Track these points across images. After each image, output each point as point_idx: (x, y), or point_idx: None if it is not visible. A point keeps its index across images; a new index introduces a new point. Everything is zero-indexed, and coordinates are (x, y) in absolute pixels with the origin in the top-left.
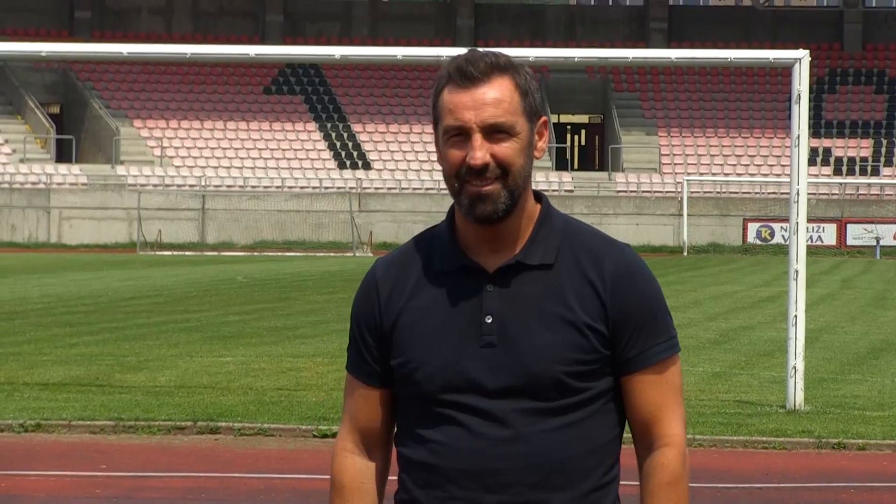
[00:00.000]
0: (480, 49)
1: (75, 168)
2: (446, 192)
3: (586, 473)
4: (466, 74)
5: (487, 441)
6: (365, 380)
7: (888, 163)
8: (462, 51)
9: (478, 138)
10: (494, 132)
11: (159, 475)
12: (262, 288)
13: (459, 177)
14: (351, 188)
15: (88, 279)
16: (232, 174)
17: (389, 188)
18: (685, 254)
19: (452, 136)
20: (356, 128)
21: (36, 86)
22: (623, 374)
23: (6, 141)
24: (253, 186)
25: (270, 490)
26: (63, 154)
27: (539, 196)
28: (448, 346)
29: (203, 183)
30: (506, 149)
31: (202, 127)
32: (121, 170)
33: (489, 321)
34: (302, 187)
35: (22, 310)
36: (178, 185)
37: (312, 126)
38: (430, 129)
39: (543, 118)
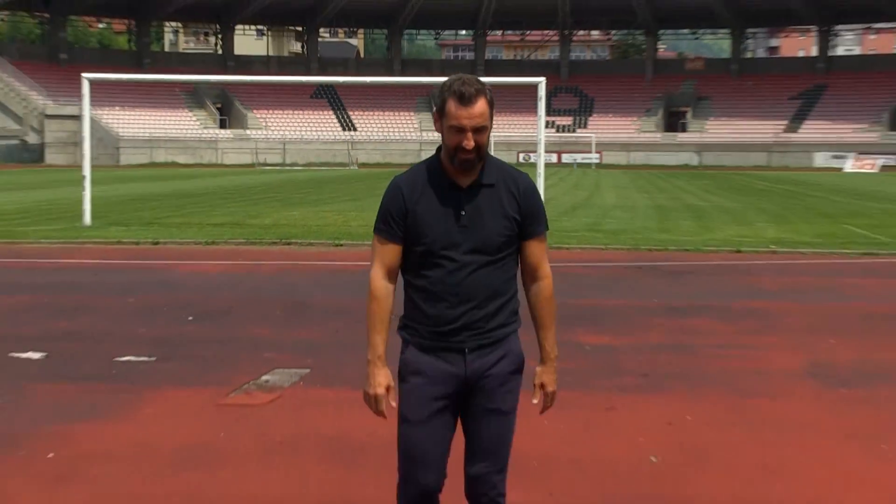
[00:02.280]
0: (467, 76)
1: (227, 132)
2: (391, 141)
3: (505, 291)
4: (464, 98)
5: (459, 277)
6: (392, 239)
7: (579, 126)
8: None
9: (469, 135)
10: (476, 130)
11: (265, 262)
12: (306, 183)
13: (457, 149)
14: (347, 139)
15: (234, 179)
16: (297, 134)
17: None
18: None
19: (455, 129)
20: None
21: (210, 93)
22: (523, 240)
23: (198, 119)
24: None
25: (315, 269)
26: (222, 125)
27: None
28: (442, 225)
29: (282, 139)
30: (481, 138)
31: (291, 111)
32: (248, 133)
33: (464, 213)
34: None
35: (203, 192)
36: (267, 138)
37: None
38: (378, 111)
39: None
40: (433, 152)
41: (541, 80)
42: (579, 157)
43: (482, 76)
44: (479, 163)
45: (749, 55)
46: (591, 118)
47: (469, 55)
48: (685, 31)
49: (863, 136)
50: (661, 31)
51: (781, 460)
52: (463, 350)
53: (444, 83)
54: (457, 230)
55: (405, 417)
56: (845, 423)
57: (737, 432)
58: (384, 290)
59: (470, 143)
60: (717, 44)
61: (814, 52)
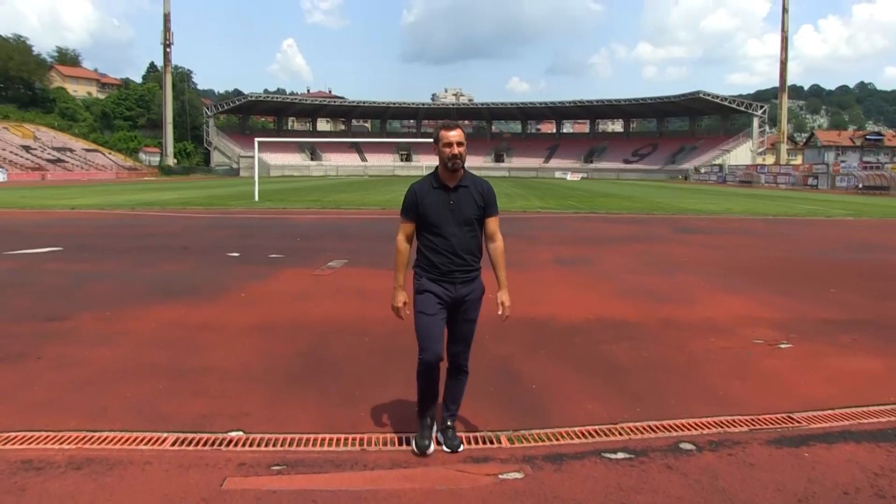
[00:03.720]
0: (448, 121)
1: (314, 163)
2: (381, 167)
3: (476, 249)
4: (449, 127)
5: (453, 241)
6: (410, 220)
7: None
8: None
9: (454, 145)
10: (459, 144)
11: (331, 216)
12: (347, 185)
13: (450, 158)
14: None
15: (316, 182)
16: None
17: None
18: None
19: (445, 145)
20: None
21: (307, 146)
22: (485, 217)
23: (302, 157)
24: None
25: (351, 220)
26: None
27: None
28: (439, 210)
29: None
30: (462, 150)
31: (340, 153)
32: (322, 164)
33: (452, 202)
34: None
35: (303, 189)
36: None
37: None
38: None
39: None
40: (418, 174)
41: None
42: None
43: (425, 137)
44: (461, 168)
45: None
46: (553, 158)
47: (414, 131)
48: (504, 120)
49: (574, 164)
50: (494, 121)
51: (543, 296)
52: (454, 282)
53: (437, 125)
54: (448, 213)
55: (423, 312)
56: (570, 279)
57: (522, 283)
58: (405, 248)
59: (454, 150)
60: (516, 126)
61: (553, 129)
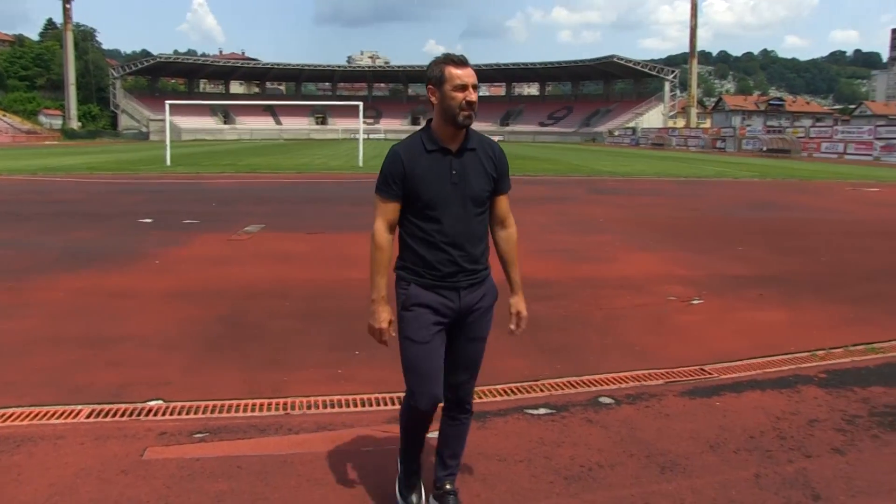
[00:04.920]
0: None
1: (227, 126)
2: (297, 129)
3: (485, 237)
4: (460, 62)
5: (456, 228)
6: (393, 198)
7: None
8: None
9: (471, 90)
10: (475, 87)
11: (247, 181)
12: (263, 149)
13: (460, 107)
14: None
15: (229, 146)
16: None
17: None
18: None
19: (456, 88)
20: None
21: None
22: (496, 195)
23: (216, 121)
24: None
25: (268, 184)
26: (225, 123)
27: None
28: (437, 184)
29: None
30: (474, 96)
31: (255, 116)
32: (236, 127)
33: (454, 173)
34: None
35: (216, 152)
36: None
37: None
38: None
39: None
40: (334, 138)
41: (359, 104)
42: (378, 135)
43: (340, 100)
44: (474, 119)
45: None
46: (382, 120)
47: (330, 94)
48: (421, 83)
49: (490, 127)
50: (411, 84)
51: None
52: (458, 288)
53: (437, 59)
54: (450, 187)
55: (412, 339)
56: None
57: None
58: (387, 241)
59: (473, 95)
60: None
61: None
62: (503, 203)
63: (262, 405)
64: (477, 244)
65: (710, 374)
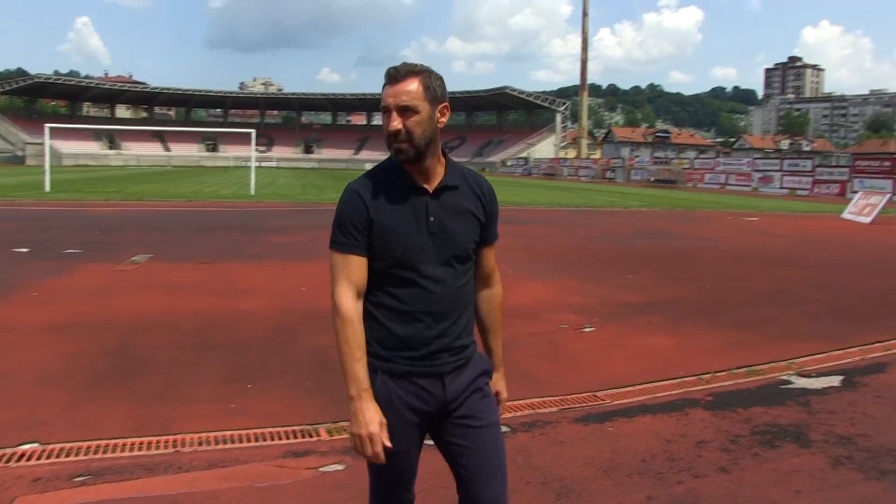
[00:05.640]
0: (409, 62)
1: (113, 152)
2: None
3: (470, 301)
4: (390, 76)
5: (435, 294)
6: (357, 252)
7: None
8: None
9: (394, 114)
10: (402, 110)
11: (133, 209)
12: (151, 176)
13: (388, 137)
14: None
15: (115, 172)
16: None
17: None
18: None
19: (383, 113)
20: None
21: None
22: (482, 247)
23: (100, 146)
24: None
25: (155, 212)
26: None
27: (443, 150)
28: (410, 235)
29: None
30: (410, 122)
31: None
32: (122, 153)
33: (432, 220)
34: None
35: (102, 178)
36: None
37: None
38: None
39: (444, 104)
40: (224, 165)
41: (252, 131)
42: (270, 163)
43: (232, 127)
44: (415, 153)
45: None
46: (274, 148)
47: (221, 120)
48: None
49: (385, 156)
50: (304, 111)
51: None
52: (441, 373)
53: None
54: (427, 239)
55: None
56: None
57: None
58: (356, 312)
59: (394, 123)
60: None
61: (363, 121)
62: (489, 256)
63: (149, 443)
64: (463, 312)
65: (602, 400)
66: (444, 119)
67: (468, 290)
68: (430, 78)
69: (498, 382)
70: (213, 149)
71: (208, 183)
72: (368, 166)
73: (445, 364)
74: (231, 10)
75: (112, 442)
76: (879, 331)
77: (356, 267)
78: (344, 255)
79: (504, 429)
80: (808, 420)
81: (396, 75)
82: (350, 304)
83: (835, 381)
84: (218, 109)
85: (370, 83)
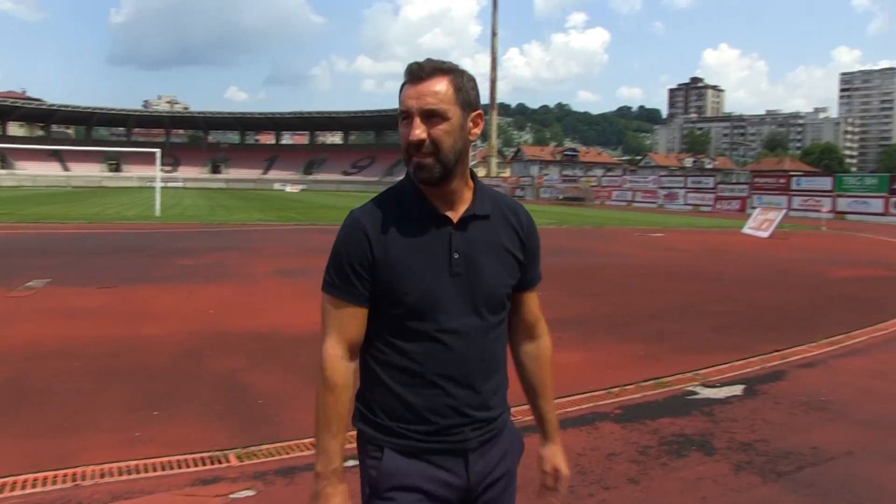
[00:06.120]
0: (433, 58)
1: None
2: (86, 176)
3: (502, 361)
4: (413, 74)
5: (457, 352)
6: (356, 301)
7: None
8: None
9: (417, 121)
10: (427, 115)
11: (28, 231)
12: (47, 197)
13: (408, 149)
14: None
15: (12, 193)
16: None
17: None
18: None
19: (403, 119)
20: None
21: None
22: (522, 290)
23: None
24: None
25: (54, 234)
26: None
27: (472, 171)
28: (427, 276)
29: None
30: (437, 130)
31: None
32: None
33: (456, 257)
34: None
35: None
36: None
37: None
38: None
39: (478, 111)
40: (128, 186)
41: (157, 150)
42: (177, 183)
43: (136, 146)
44: (441, 170)
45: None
46: (181, 168)
47: (124, 139)
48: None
49: (293, 176)
50: (211, 131)
51: (267, 308)
52: (465, 451)
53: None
54: (449, 281)
55: None
56: (294, 290)
57: (246, 296)
58: (344, 374)
59: (417, 131)
60: (234, 137)
61: (272, 140)
62: (531, 303)
63: (45, 479)
64: (492, 375)
65: (514, 416)
66: (477, 130)
67: (500, 347)
68: (461, 78)
69: (555, 457)
70: (116, 169)
71: (111, 204)
72: (278, 186)
73: (470, 440)
74: (134, 25)
75: (3, 481)
76: (777, 340)
77: (351, 319)
78: (337, 301)
79: None
80: (713, 429)
81: (420, 72)
82: (338, 366)
83: (737, 390)
84: (121, 128)
85: (278, 102)
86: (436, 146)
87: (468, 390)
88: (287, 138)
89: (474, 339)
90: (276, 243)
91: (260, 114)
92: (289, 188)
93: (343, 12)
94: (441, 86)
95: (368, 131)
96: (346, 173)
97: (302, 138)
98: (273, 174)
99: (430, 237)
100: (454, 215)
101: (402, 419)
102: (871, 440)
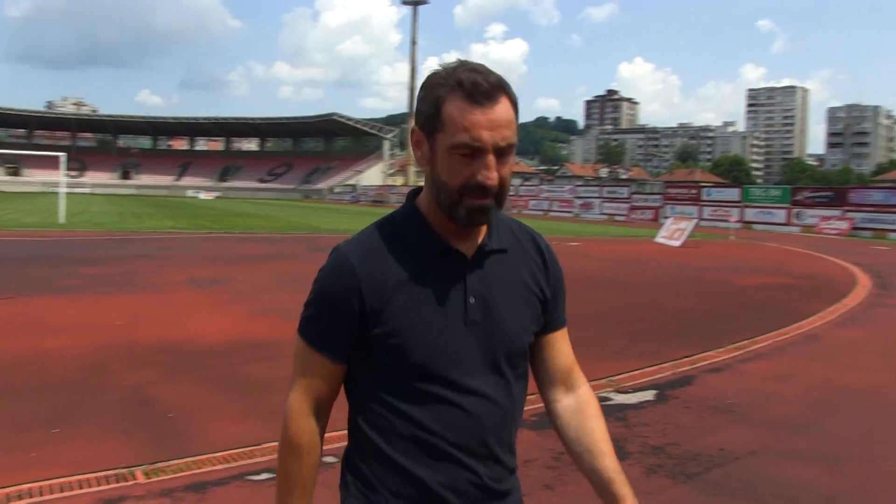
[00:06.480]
0: (476, 62)
1: None
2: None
3: (518, 421)
4: (482, 91)
5: (473, 416)
6: (331, 356)
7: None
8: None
9: (491, 159)
10: (502, 151)
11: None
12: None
13: (465, 190)
14: None
15: None
16: None
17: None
18: None
19: (463, 153)
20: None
21: None
22: (548, 332)
23: None
24: None
25: None
26: None
27: None
28: (439, 328)
29: None
30: (506, 168)
31: None
32: None
33: (472, 301)
34: None
35: None
36: None
37: None
38: None
39: None
40: (28, 191)
41: (61, 154)
42: (83, 188)
43: (37, 150)
44: (497, 212)
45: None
46: (88, 173)
47: (24, 142)
48: (132, 135)
49: (207, 182)
50: (121, 135)
51: (178, 318)
52: None
53: (441, 72)
54: (464, 332)
55: None
56: (206, 300)
57: (156, 306)
58: (310, 435)
59: (492, 173)
60: (146, 141)
61: (185, 146)
62: (563, 347)
63: None
64: (510, 436)
65: None
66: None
67: (520, 406)
68: (513, 92)
69: None
70: (16, 173)
71: (8, 209)
72: (191, 193)
73: None
74: (34, 20)
75: None
76: (687, 346)
77: (322, 375)
78: (309, 351)
79: (330, 459)
80: (626, 433)
81: (490, 91)
82: (302, 424)
83: (649, 395)
84: (21, 130)
85: (193, 107)
86: (501, 187)
87: (490, 461)
88: (202, 144)
89: (495, 399)
90: (189, 252)
91: (173, 118)
92: (203, 195)
93: (261, 17)
94: (508, 110)
95: (286, 138)
96: (262, 180)
97: (217, 144)
98: (187, 181)
99: (441, 279)
100: (468, 249)
101: (411, 499)
102: (774, 440)
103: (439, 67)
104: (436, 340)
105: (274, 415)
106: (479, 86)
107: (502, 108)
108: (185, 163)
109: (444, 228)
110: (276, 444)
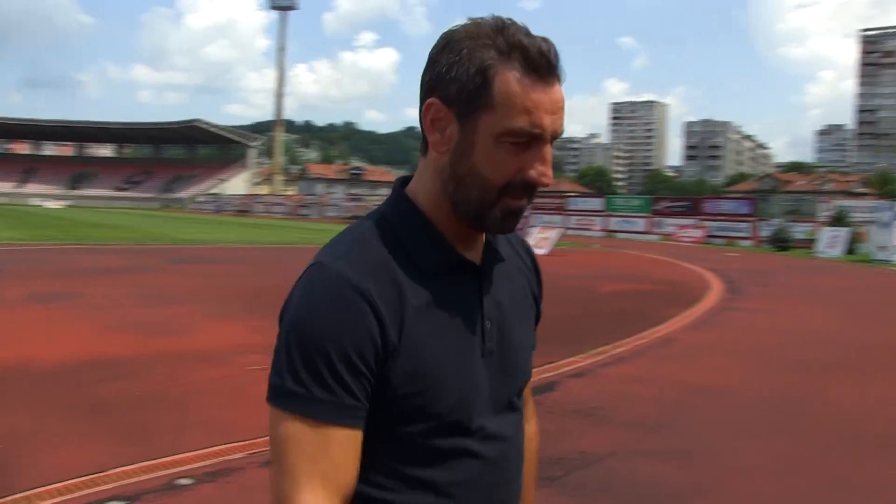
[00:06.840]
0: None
1: None
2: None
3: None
4: (548, 65)
5: (498, 467)
6: (350, 422)
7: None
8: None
9: (549, 151)
10: (556, 138)
11: None
12: None
13: (506, 188)
14: None
15: None
16: None
17: None
18: None
19: (516, 140)
20: None
21: None
22: None
23: None
24: None
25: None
26: None
27: None
28: (462, 364)
29: None
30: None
31: None
32: None
33: (489, 326)
34: None
35: None
36: None
37: None
38: None
39: None
40: None
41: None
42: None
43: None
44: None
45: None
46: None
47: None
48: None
49: (56, 190)
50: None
51: (16, 338)
52: None
53: (473, 28)
54: (482, 366)
55: None
56: (51, 317)
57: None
58: None
59: (549, 170)
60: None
61: (29, 150)
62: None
63: None
64: (519, 475)
65: None
66: None
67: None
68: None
69: None
70: None
71: None
72: (35, 202)
73: None
74: None
75: None
76: (550, 353)
77: (345, 451)
78: (319, 425)
79: (186, 481)
80: None
81: (555, 63)
82: None
83: None
84: None
85: (40, 108)
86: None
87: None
88: (49, 149)
89: (510, 441)
90: (32, 264)
91: (14, 119)
92: (50, 203)
93: (115, 14)
94: (561, 92)
95: (145, 145)
96: (119, 189)
97: (67, 149)
98: (31, 188)
99: (456, 300)
100: (477, 257)
101: None
102: (631, 440)
103: (468, 21)
104: (462, 380)
105: (126, 437)
106: (545, 55)
107: (559, 87)
108: (29, 169)
109: (452, 233)
110: (127, 467)
